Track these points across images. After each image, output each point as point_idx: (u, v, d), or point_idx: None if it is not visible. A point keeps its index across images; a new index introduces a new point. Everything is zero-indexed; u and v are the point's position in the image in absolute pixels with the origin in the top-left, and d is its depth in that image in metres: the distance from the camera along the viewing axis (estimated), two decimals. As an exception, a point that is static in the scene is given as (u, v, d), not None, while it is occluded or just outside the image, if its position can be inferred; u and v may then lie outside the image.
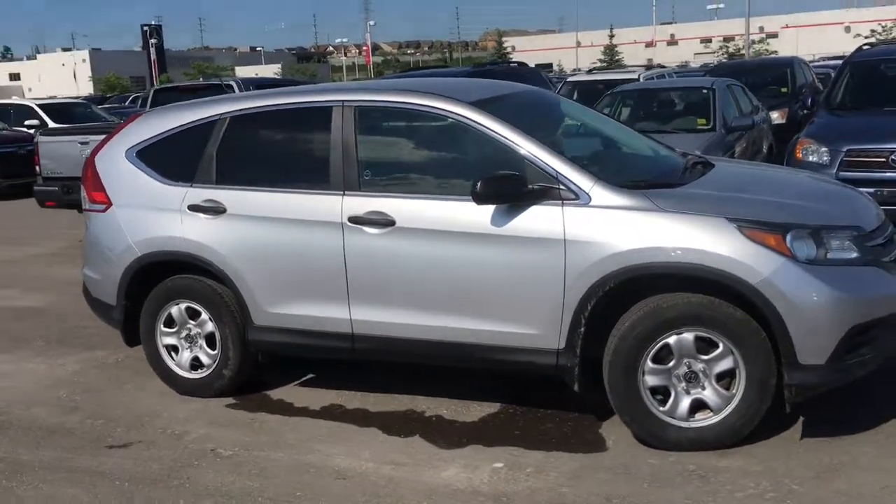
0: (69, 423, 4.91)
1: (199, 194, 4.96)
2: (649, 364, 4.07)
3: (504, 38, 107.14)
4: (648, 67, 17.87)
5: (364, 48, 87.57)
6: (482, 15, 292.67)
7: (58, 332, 6.70)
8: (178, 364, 5.21)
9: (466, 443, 4.37)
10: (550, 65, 79.40)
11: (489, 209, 4.25)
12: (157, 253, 5.08)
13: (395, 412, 4.81)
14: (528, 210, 4.21)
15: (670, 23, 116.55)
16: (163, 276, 5.14)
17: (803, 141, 8.00)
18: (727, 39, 71.28)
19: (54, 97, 34.20)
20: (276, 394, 5.18)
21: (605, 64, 66.98)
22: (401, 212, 4.46)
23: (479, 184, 4.11)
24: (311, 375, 5.42)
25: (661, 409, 4.10)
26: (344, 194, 4.60)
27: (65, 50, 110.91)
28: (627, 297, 4.15)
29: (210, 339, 5.09)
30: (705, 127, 9.27)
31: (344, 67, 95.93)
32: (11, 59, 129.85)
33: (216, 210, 4.89)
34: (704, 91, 9.79)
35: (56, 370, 5.87)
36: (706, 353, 4.03)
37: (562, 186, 4.17)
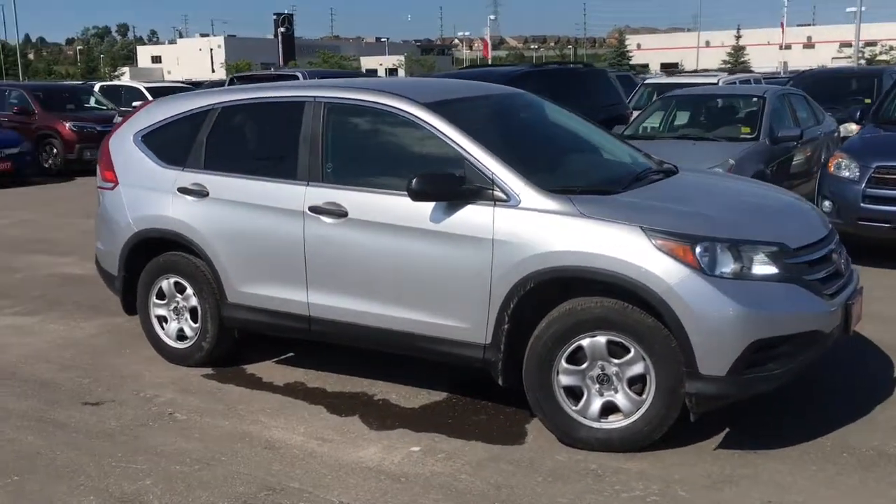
0: (60, 380, 5.40)
1: (188, 178, 5.36)
2: (564, 364, 4.20)
3: (631, 36, 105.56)
4: (732, 72, 17.42)
5: (481, 41, 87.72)
6: (614, 11, 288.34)
7: (89, 299, 7.27)
8: (167, 334, 5.64)
9: (397, 426, 4.60)
10: (676, 64, 77.82)
11: (430, 206, 4.46)
12: (150, 230, 5.52)
13: (347, 393, 5.08)
14: (464, 209, 4.40)
15: (808, 24, 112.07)
16: (157, 251, 5.57)
17: (837, 155, 7.83)
18: (869, 44, 68.01)
19: (189, 80, 36.06)
20: (251, 368, 5.54)
21: (729, 65, 65.19)
22: (353, 204, 4.72)
23: (413, 181, 4.33)
24: (290, 354, 5.76)
25: (574, 408, 4.23)
26: (308, 184, 4.90)
27: (202, 35, 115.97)
28: (557, 298, 4.29)
29: (193, 313, 5.49)
30: (749, 136, 9.12)
31: (465, 60, 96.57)
32: (157, 43, 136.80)
33: (200, 193, 5.28)
34: (755, 100, 9.61)
35: (74, 332, 6.42)
36: (618, 358, 4.13)
37: (495, 188, 4.34)
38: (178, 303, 5.56)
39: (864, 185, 7.36)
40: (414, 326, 4.61)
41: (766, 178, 8.72)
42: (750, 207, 4.63)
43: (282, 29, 74.88)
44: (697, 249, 3.95)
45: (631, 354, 4.09)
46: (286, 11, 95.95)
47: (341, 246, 4.77)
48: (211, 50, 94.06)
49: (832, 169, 7.72)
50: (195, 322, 5.49)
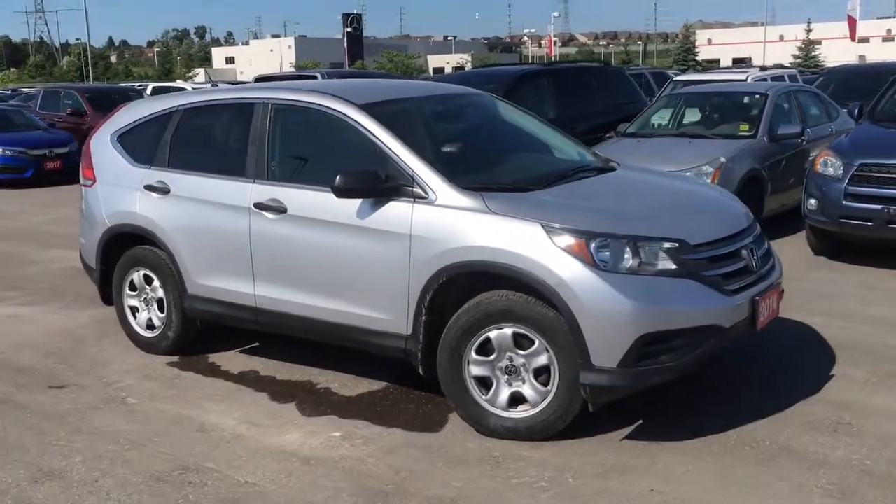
0: (38, 365, 5.77)
1: (153, 175, 5.67)
2: (473, 355, 4.37)
3: (702, 31, 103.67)
4: (764, 68, 17.08)
5: (547, 39, 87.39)
6: (687, 6, 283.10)
7: (91, 291, 7.61)
8: (138, 323, 5.98)
9: (328, 413, 4.82)
10: (748, 59, 76.14)
11: (357, 202, 4.67)
12: (120, 225, 5.85)
13: (294, 381, 5.32)
14: (387, 205, 4.59)
15: (889, 17, 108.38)
16: (129, 245, 5.90)
17: (824, 153, 7.77)
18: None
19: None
20: (214, 357, 5.83)
21: (799, 60, 63.57)
22: (292, 200, 4.96)
23: (337, 178, 4.54)
24: (255, 344, 6.02)
25: (484, 397, 4.39)
26: (254, 181, 5.15)
27: (274, 37, 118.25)
28: (475, 291, 4.45)
29: (160, 304, 5.81)
30: (746, 134, 9.07)
31: (531, 57, 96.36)
32: (232, 44, 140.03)
33: (163, 190, 5.59)
34: (757, 97, 9.55)
35: (67, 321, 6.81)
36: (524, 349, 4.28)
37: (415, 185, 4.53)
38: (147, 294, 5.88)
39: (846, 182, 7.29)
40: (344, 318, 4.82)
41: (762, 177, 8.71)
42: (664, 204, 4.71)
43: (349, 29, 75.82)
44: (592, 245, 4.07)
45: (535, 346, 4.24)
46: (355, 11, 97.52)
47: (281, 240, 5.01)
48: (281, 50, 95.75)
49: (818, 167, 7.66)
50: (161, 312, 5.80)
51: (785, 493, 3.77)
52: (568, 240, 4.09)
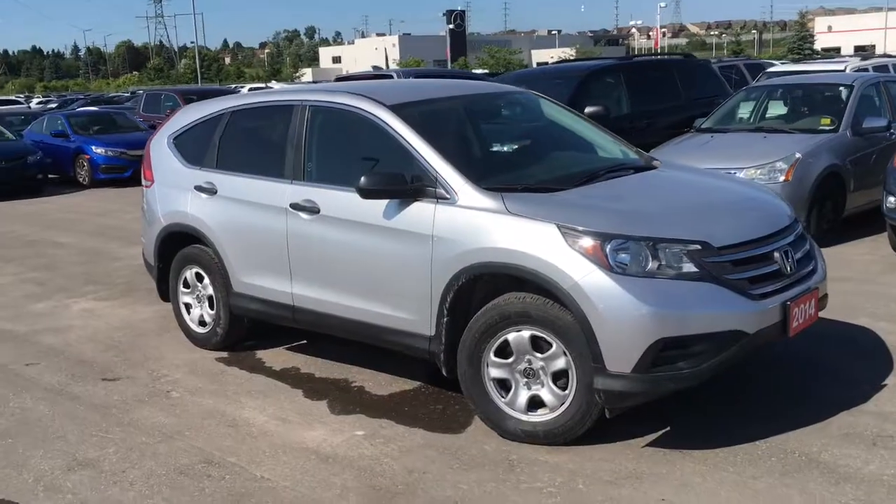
0: (98, 358, 6.03)
1: (203, 176, 5.84)
2: (492, 357, 4.33)
3: (822, 18, 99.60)
4: (865, 58, 16.23)
5: (654, 30, 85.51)
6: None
7: (160, 287, 7.96)
8: (191, 319, 6.18)
9: (357, 411, 4.87)
10: (871, 47, 72.66)
11: (384, 203, 4.69)
12: (174, 224, 6.06)
13: (331, 379, 5.40)
14: (412, 206, 4.60)
15: None
16: (183, 244, 6.10)
17: (904, 147, 7.33)
18: None
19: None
20: (261, 353, 5.97)
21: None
22: (325, 201, 5.03)
23: (361, 179, 4.57)
24: (303, 341, 6.13)
25: (503, 400, 4.35)
26: (292, 182, 5.25)
27: (378, 35, 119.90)
28: (499, 293, 4.41)
29: (210, 301, 5.99)
30: (828, 128, 8.67)
31: (639, 49, 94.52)
32: (340, 44, 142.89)
33: (211, 191, 5.75)
34: (842, 88, 9.10)
35: (132, 316, 7.10)
36: (543, 352, 4.21)
37: (438, 186, 4.52)
38: (199, 291, 6.07)
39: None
40: (373, 318, 4.86)
41: (844, 172, 8.32)
42: (693, 205, 4.54)
43: (450, 25, 76.05)
44: (608, 246, 3.97)
45: (553, 349, 4.17)
46: (459, 8, 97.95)
47: (316, 240, 5.09)
48: (385, 49, 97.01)
49: (896, 163, 7.26)
50: (211, 309, 5.98)
51: (803, 508, 3.60)
52: (583, 241, 4.00)
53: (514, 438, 4.33)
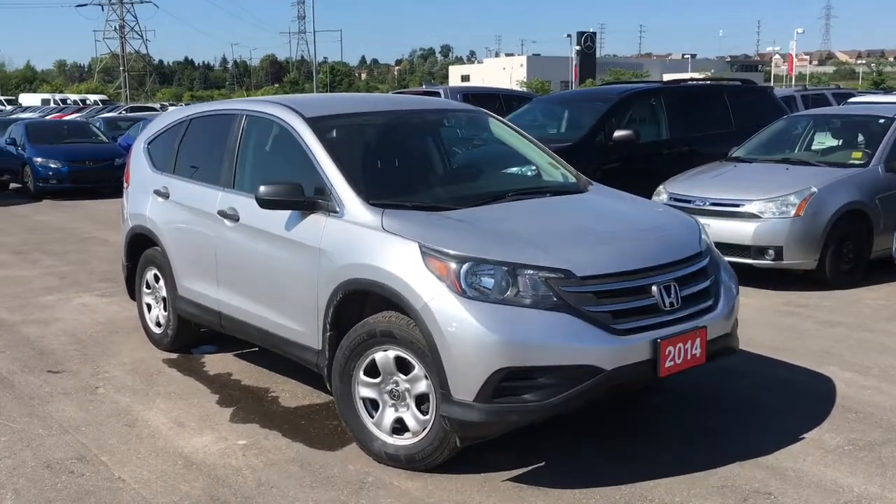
0: (61, 350, 6.26)
1: (162, 181, 6.00)
2: (362, 376, 4.23)
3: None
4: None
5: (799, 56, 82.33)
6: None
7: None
8: (150, 319, 6.33)
9: (254, 421, 4.86)
10: None
11: (286, 214, 4.68)
12: (137, 226, 6.24)
13: (253, 387, 5.41)
14: (308, 218, 4.58)
15: None
16: (146, 246, 6.28)
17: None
18: None
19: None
20: (209, 357, 6.05)
21: None
22: (244, 209, 5.06)
23: (260, 188, 4.58)
24: (255, 349, 6.17)
25: (372, 420, 4.24)
26: (223, 189, 5.31)
27: (507, 55, 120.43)
28: (381, 310, 4.31)
29: (165, 303, 6.12)
30: (857, 162, 8.10)
31: (772, 76, 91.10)
32: (472, 62, 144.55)
33: (165, 195, 5.89)
34: (881, 121, 8.49)
35: (120, 313, 7.33)
36: (407, 374, 4.09)
37: (332, 199, 4.47)
38: (157, 293, 6.22)
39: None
40: (276, 328, 4.85)
41: (870, 210, 7.77)
42: (575, 230, 4.29)
43: (577, 47, 75.70)
44: (462, 269, 3.82)
45: (415, 371, 4.04)
46: (590, 30, 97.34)
47: (235, 247, 5.13)
48: (512, 69, 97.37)
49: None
50: (165, 311, 6.11)
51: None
52: (437, 262, 3.87)
53: (378, 460, 4.22)
